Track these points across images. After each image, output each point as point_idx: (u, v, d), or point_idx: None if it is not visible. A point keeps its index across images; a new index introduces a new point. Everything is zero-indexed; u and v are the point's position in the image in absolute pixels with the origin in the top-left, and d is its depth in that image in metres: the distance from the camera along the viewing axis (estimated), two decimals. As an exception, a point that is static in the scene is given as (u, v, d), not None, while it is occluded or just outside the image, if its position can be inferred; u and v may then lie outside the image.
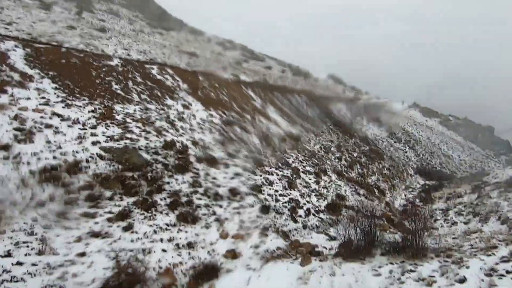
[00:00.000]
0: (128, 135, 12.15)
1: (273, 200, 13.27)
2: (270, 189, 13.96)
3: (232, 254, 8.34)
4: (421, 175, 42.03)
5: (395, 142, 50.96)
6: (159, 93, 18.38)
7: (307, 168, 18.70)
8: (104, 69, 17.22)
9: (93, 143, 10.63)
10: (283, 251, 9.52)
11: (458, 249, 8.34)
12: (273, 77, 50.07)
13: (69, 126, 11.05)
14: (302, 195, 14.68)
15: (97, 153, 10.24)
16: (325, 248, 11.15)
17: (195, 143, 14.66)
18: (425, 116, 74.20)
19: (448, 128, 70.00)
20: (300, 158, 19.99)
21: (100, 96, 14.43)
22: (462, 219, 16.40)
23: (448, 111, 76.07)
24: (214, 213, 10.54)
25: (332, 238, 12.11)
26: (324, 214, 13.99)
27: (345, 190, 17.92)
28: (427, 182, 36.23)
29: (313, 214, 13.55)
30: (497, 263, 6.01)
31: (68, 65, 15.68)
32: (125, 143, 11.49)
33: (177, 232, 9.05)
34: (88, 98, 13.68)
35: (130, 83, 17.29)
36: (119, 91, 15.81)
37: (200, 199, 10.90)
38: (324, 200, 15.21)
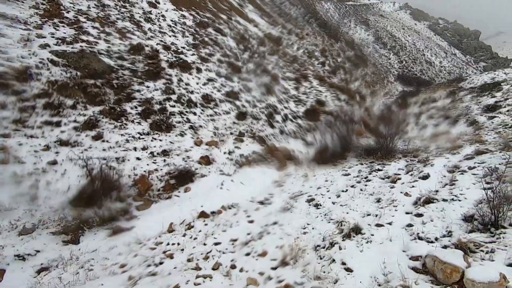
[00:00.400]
0: (84, 37, 10.56)
1: (250, 106, 12.90)
2: (248, 95, 13.42)
3: (206, 160, 8.33)
4: (401, 82, 42.18)
5: (380, 47, 49.10)
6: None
7: (287, 74, 17.88)
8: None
9: (42, 47, 9.17)
10: (259, 155, 9.65)
11: (425, 149, 8.63)
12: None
13: (8, 26, 9.31)
14: (280, 101, 14.34)
15: (48, 58, 8.94)
16: (301, 153, 11.43)
17: (166, 47, 13.16)
18: (414, 20, 70.07)
19: (436, 32, 67.29)
20: (281, 64, 18.91)
21: None
22: (433, 122, 17.00)
23: (440, 13, 71.65)
24: (189, 121, 10.16)
25: (309, 144, 12.39)
26: (302, 120, 13.98)
27: (326, 96, 17.68)
28: (405, 88, 36.55)
29: (291, 120, 13.50)
30: (460, 161, 6.24)
31: None
32: (81, 46, 10.04)
33: (151, 140, 8.77)
34: None
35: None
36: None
37: (173, 106, 10.33)
38: (303, 106, 15.02)
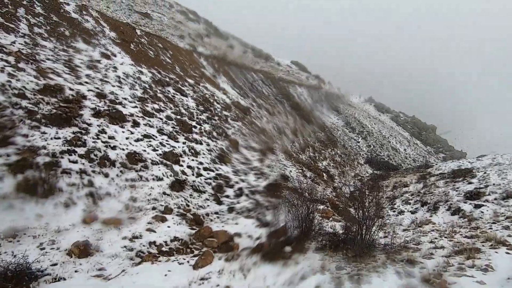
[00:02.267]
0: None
1: (193, 174, 10.09)
2: (193, 160, 10.73)
3: (81, 250, 5.03)
4: (371, 165, 41.82)
5: (349, 131, 50.52)
6: (67, 33, 13.87)
7: (251, 143, 15.74)
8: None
9: None
10: (181, 243, 6.45)
11: (416, 247, 5.89)
12: (233, 55, 46.13)
13: None
14: (236, 172, 11.69)
15: None
16: (250, 237, 8.31)
17: (101, 95, 10.79)
18: (378, 111, 75.71)
19: (398, 123, 72.14)
20: (244, 131, 16.95)
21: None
22: (409, 208, 14.75)
23: (399, 108, 78.48)
24: (90, 184, 7.08)
25: (264, 224, 9.32)
26: (261, 196, 11.16)
27: (291, 171, 15.34)
28: (375, 171, 35.75)
29: (247, 195, 10.65)
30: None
31: None
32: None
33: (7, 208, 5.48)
34: None
35: (21, 10, 12.59)
36: (-3, 15, 11.16)
37: (74, 162, 7.32)
38: (265, 180, 12.38)
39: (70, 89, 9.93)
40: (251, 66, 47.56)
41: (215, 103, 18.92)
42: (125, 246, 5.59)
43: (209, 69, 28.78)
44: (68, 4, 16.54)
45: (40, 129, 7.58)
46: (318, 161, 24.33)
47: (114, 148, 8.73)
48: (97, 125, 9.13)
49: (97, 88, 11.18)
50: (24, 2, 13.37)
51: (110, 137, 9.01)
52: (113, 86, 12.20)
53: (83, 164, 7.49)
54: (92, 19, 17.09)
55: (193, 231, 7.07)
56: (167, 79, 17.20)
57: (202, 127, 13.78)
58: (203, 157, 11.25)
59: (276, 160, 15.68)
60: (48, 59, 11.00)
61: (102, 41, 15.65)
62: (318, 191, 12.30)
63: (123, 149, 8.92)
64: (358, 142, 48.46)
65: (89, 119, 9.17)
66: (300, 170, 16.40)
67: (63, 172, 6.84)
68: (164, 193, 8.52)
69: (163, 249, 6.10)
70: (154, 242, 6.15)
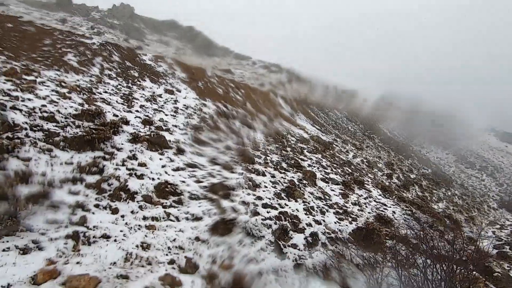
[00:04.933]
0: (17, 94, 7.38)
1: (247, 213, 7.03)
2: (249, 194, 7.77)
3: None
4: (509, 209, 30.74)
5: (466, 167, 39.76)
6: (136, 74, 13.95)
7: (331, 175, 11.96)
8: (67, 42, 13.48)
9: None
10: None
11: None
12: (314, 96, 44.21)
13: None
14: (308, 210, 8.12)
15: None
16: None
17: (148, 121, 9.40)
18: (503, 141, 59.69)
19: (538, 155, 54.66)
20: (324, 164, 13.32)
21: (31, 60, 10.31)
22: None
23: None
24: (82, 223, 4.80)
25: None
26: (348, 247, 7.16)
27: (394, 212, 10.65)
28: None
29: (324, 245, 6.87)
30: None
31: (19, 32, 12.21)
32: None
33: None
34: (6, 57, 9.59)
35: (98, 59, 13.18)
36: (71, 62, 11.64)
37: (75, 193, 5.31)
38: (351, 223, 8.36)
39: (114, 115, 8.75)
40: (334, 105, 44.33)
41: (289, 136, 16.18)
42: None
43: (287, 108, 26.90)
44: (145, 55, 17.40)
45: (51, 153, 6.02)
46: (430, 202, 18.02)
47: (140, 177, 6.58)
48: (129, 150, 7.32)
49: (147, 116, 9.89)
50: (104, 54, 14.11)
51: (140, 164, 6.98)
52: (166, 115, 10.88)
53: (86, 196, 5.40)
54: (165, 65, 17.46)
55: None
56: (234, 113, 15.58)
57: (268, 157, 10.95)
58: (264, 191, 8.17)
59: (368, 197, 11.27)
60: (106, 92, 10.46)
61: (169, 80, 15.39)
62: (455, 246, 7.37)
63: (152, 179, 6.70)
64: (483, 180, 37.23)
65: (122, 144, 7.47)
66: (409, 211, 11.39)
67: (50, 206, 4.79)
68: (197, 238, 5.66)
69: None
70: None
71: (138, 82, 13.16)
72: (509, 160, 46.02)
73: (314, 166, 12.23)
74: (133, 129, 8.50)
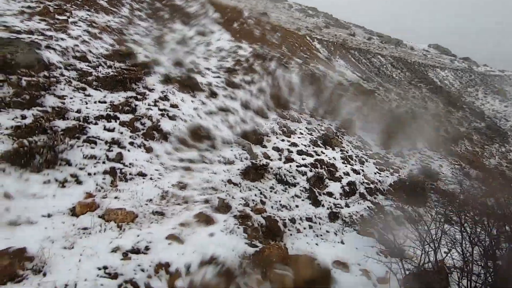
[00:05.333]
0: (51, 33, 7.24)
1: (280, 159, 6.75)
2: (283, 140, 7.41)
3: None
4: None
5: (527, 122, 35.33)
6: (166, 16, 13.24)
7: (374, 125, 11.07)
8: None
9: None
10: (220, 273, 3.25)
11: None
12: (355, 42, 40.18)
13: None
14: (346, 159, 7.63)
15: None
16: (366, 276, 4.37)
17: (179, 63, 9.02)
18: None
19: None
20: (365, 112, 12.33)
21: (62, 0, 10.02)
22: None
23: None
24: (119, 159, 4.83)
25: (394, 252, 5.05)
26: (388, 199, 6.76)
27: (440, 166, 9.77)
28: None
29: (362, 195, 6.51)
30: None
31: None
32: (29, 37, 6.58)
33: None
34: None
35: (128, -2, 12.55)
36: (101, 2, 11.19)
37: (110, 130, 5.31)
38: (392, 174, 7.80)
39: (146, 56, 8.45)
40: (377, 51, 40.22)
41: (326, 81, 15.00)
42: (97, 276, 2.81)
43: (324, 52, 24.85)
44: (175, -6, 16.32)
45: (85, 91, 5.98)
46: (482, 158, 16.50)
47: (172, 118, 6.42)
48: (161, 91, 7.11)
49: (178, 58, 9.47)
50: (133, -8, 13.39)
51: (172, 105, 6.79)
52: (198, 57, 10.37)
53: (121, 133, 5.37)
54: (197, 4, 16.36)
55: (253, 250, 3.70)
56: (270, 55, 14.58)
57: (304, 103, 10.28)
58: (299, 138, 7.75)
59: (411, 148, 10.39)
60: (136, 34, 10.08)
61: (202, 21, 14.48)
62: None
63: (184, 121, 6.52)
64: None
65: (154, 85, 7.26)
66: (458, 165, 10.43)
67: (86, 141, 4.83)
68: (230, 181, 5.55)
69: (178, 284, 3.03)
70: (166, 265, 3.17)
71: (168, 25, 12.52)
72: None
73: (354, 114, 11.36)
74: (165, 70, 8.19)
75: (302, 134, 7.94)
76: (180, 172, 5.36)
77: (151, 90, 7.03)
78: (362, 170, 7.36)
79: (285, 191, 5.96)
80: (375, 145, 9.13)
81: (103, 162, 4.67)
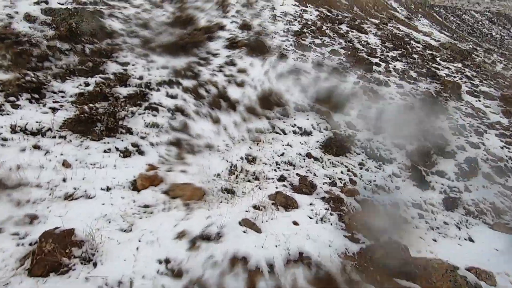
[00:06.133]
0: (110, 2, 6.97)
1: (369, 129, 5.42)
2: (369, 107, 6.01)
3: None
4: None
5: None
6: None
7: (482, 88, 8.67)
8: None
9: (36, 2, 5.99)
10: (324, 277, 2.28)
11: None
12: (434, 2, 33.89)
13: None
14: (457, 130, 5.90)
15: (25, 13, 5.55)
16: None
17: (246, 26, 8.11)
18: None
19: None
20: (468, 74, 9.81)
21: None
22: None
23: None
24: (189, 130, 4.18)
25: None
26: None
27: None
28: None
29: (486, 174, 4.84)
30: None
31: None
32: (94, 7, 6.36)
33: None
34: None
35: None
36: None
37: (173, 97, 4.71)
38: (524, 149, 5.77)
39: (208, 21, 7.70)
40: (470, 7, 33.37)
41: (412, 42, 12.51)
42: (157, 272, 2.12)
43: (403, 11, 21.26)
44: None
45: (148, 58, 5.48)
46: None
47: (241, 84, 5.57)
48: (226, 56, 6.29)
49: (244, 20, 8.53)
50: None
51: (240, 70, 5.94)
52: (264, 21, 9.25)
53: (184, 100, 4.72)
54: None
55: (357, 247, 2.66)
56: (340, 17, 12.67)
57: (391, 65, 8.46)
58: (389, 103, 6.21)
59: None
60: (197, 0, 9.39)
61: (264, -15, 13.18)
62: None
63: (254, 87, 5.61)
64: None
65: (218, 50, 6.48)
66: None
67: (148, 108, 4.29)
68: (309, 155, 4.53)
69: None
70: (243, 260, 2.34)
71: (229, -10, 11.58)
72: None
73: (456, 76, 9.05)
74: (230, 34, 7.35)
75: (393, 99, 6.36)
76: (248, 143, 4.52)
77: (214, 55, 6.27)
78: (483, 144, 5.53)
79: (379, 169, 4.67)
80: (491, 113, 6.97)
81: (166, 131, 4.06)
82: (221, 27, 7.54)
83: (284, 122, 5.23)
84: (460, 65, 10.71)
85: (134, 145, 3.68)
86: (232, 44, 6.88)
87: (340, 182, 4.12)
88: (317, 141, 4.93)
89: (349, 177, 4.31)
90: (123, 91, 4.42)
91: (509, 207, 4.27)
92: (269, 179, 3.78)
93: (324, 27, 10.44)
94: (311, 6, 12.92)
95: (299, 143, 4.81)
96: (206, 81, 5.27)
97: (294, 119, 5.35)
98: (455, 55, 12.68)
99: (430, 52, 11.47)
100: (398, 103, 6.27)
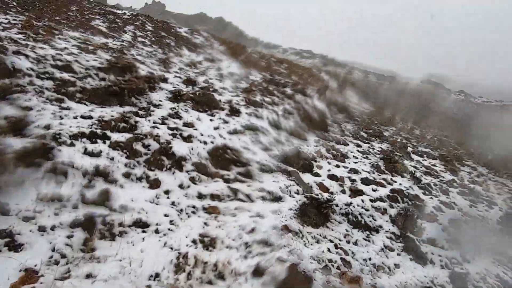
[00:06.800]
0: (22, 41, 5.59)
1: (344, 191, 4.63)
2: (338, 166, 5.36)
3: None
4: None
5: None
6: (172, 43, 12.03)
7: (421, 148, 9.10)
8: (96, 10, 11.88)
9: None
10: None
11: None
12: (356, 77, 40.23)
13: None
14: (425, 189, 5.50)
15: None
16: None
17: (190, 81, 7.33)
18: None
19: None
20: (404, 135, 10.46)
21: (54, 21, 8.70)
22: None
23: None
24: (104, 201, 2.70)
25: None
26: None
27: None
28: None
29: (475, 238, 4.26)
30: None
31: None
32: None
33: None
34: (23, 15, 8.02)
35: (130, 27, 11.43)
36: (100, 27, 9.94)
37: (94, 155, 3.24)
38: (491, 208, 5.62)
39: (150, 72, 6.74)
40: (378, 86, 40.04)
41: (353, 110, 13.44)
42: None
43: (333, 84, 23.86)
44: (180, 28, 15.51)
45: (62, 104, 4.06)
46: None
47: (188, 139, 4.43)
48: (171, 108, 5.22)
49: (188, 76, 7.82)
50: (136, 23, 12.38)
51: (186, 124, 4.86)
52: (211, 79, 8.74)
53: (111, 159, 3.33)
54: (202, 38, 15.45)
55: None
56: (282, 82, 13.15)
57: (342, 126, 8.42)
58: (355, 162, 5.69)
59: (479, 175, 8.26)
60: (139, 54, 8.56)
61: (208, 51, 13.32)
62: None
63: (204, 142, 4.52)
64: None
65: (161, 101, 5.41)
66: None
67: (50, 171, 2.80)
68: (286, 228, 3.39)
69: None
70: None
71: (175, 50, 11.20)
72: None
73: (394, 137, 9.45)
74: (173, 87, 6.42)
75: (357, 158, 5.91)
76: (202, 217, 3.23)
77: (156, 105, 5.15)
78: (455, 204, 5.18)
79: (368, 241, 3.74)
80: (441, 171, 7.04)
81: (75, 207, 2.55)
82: (164, 79, 6.63)
83: (249, 185, 4.12)
84: (394, 128, 11.53)
85: (7, 234, 2.08)
86: (177, 96, 5.92)
87: (333, 266, 3.00)
88: (291, 209, 3.88)
89: (340, 256, 3.24)
90: (16, 142, 2.87)
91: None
92: (240, 275, 2.47)
93: (271, 88, 10.43)
94: (255, 70, 13.25)
95: (270, 213, 3.68)
96: (146, 134, 4.01)
97: (261, 182, 4.30)
98: (382, 121, 13.92)
99: (340, 116, 12.28)
100: (364, 161, 5.81)
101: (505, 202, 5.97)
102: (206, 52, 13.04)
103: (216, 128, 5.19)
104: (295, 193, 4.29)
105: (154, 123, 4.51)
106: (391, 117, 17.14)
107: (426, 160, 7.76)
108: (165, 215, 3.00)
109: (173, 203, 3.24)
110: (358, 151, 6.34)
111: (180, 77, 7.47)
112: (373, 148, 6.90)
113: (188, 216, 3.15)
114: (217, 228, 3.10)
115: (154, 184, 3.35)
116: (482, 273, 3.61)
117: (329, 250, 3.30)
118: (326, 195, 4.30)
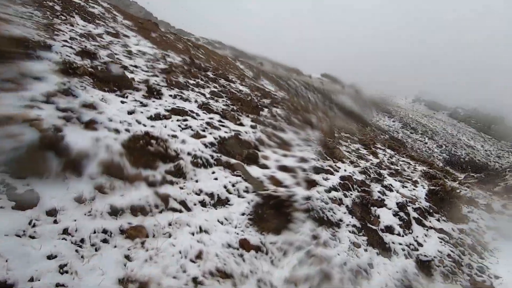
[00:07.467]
0: None
1: (298, 183, 3.96)
2: (285, 156, 4.69)
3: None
4: (452, 167, 32.98)
5: (411, 133, 42.03)
6: (58, 8, 9.22)
7: (344, 134, 9.48)
8: None
9: None
10: None
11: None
12: (267, 69, 41.49)
13: None
14: (365, 173, 5.41)
15: None
16: None
17: (88, 53, 5.44)
18: (431, 109, 65.90)
19: (459, 120, 61.71)
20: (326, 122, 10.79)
21: None
22: None
23: (455, 103, 67.29)
24: None
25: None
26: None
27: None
28: (471, 174, 27.09)
29: (418, 221, 4.26)
30: None
31: None
32: None
33: None
34: None
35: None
36: None
37: None
38: (416, 186, 5.95)
39: (25, 36, 4.62)
40: (288, 77, 42.40)
41: (272, 95, 13.22)
42: None
43: (249, 72, 23.72)
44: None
45: None
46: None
47: (89, 126, 2.98)
48: (59, 83, 3.54)
49: (83, 48, 5.88)
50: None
51: (85, 105, 3.33)
52: (117, 54, 6.92)
53: None
54: (101, 8, 12.69)
55: None
56: (203, 66, 11.93)
57: (273, 111, 7.89)
58: (300, 151, 5.15)
59: (395, 155, 9.14)
60: (5, 13, 6.00)
61: (110, 24, 10.95)
62: None
63: (116, 130, 3.14)
64: (426, 143, 39.73)
65: (43, 73, 3.62)
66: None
67: None
68: (244, 243, 2.45)
69: None
70: None
71: (62, 17, 8.58)
72: (440, 124, 50.50)
73: (323, 124, 9.59)
74: (61, 58, 4.56)
75: (300, 145, 5.40)
76: (121, 247, 2.02)
77: (37, 78, 3.40)
78: (391, 185, 5.22)
79: (334, 239, 3.18)
80: (367, 155, 7.31)
81: None
82: (47, 47, 4.67)
83: (182, 187, 3.01)
84: (315, 115, 11.83)
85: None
86: (68, 70, 4.17)
87: (312, 286, 2.27)
88: (243, 214, 2.98)
89: (315, 267, 2.54)
90: None
91: (459, 255, 3.66)
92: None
93: (193, 71, 9.16)
94: (172, 52, 11.58)
95: (219, 223, 2.70)
96: (13, 118, 2.40)
97: (196, 181, 3.23)
98: (300, 108, 14.33)
99: (290, 103, 12.29)
100: (308, 148, 5.34)
101: (421, 179, 6.50)
102: (107, 26, 10.66)
103: (131, 113, 3.80)
104: (244, 191, 3.39)
105: (32, 101, 2.86)
106: (305, 105, 17.92)
107: (351, 145, 7.98)
108: (49, 258, 1.68)
109: (65, 231, 1.91)
110: (298, 138, 5.88)
111: (72, 48, 5.50)
112: (308, 135, 6.59)
113: (96, 250, 1.89)
114: (147, 262, 1.94)
115: (27, 204, 1.92)
116: (438, 256, 3.52)
117: (302, 262, 2.55)
118: (284, 191, 3.55)
